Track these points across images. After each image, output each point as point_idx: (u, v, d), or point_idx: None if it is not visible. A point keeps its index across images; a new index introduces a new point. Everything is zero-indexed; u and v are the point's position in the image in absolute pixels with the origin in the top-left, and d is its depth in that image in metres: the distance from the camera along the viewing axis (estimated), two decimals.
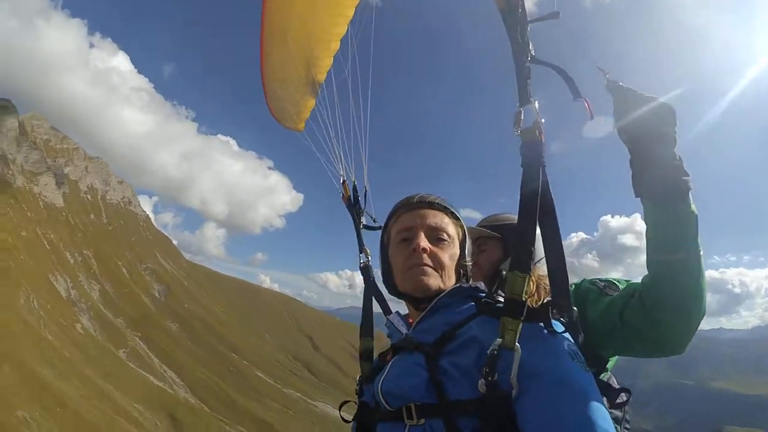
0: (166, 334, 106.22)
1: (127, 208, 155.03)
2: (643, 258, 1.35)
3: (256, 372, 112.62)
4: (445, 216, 1.58)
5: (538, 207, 1.22)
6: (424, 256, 1.49)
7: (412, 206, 1.61)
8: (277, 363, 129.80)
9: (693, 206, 1.25)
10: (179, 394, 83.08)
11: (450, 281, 1.52)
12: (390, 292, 1.64)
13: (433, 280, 1.48)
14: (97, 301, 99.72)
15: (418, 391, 1.24)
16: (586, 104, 1.30)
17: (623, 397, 1.39)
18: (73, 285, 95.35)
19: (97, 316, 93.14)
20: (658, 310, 1.33)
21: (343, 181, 2.59)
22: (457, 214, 1.63)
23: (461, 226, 1.63)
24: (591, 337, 1.41)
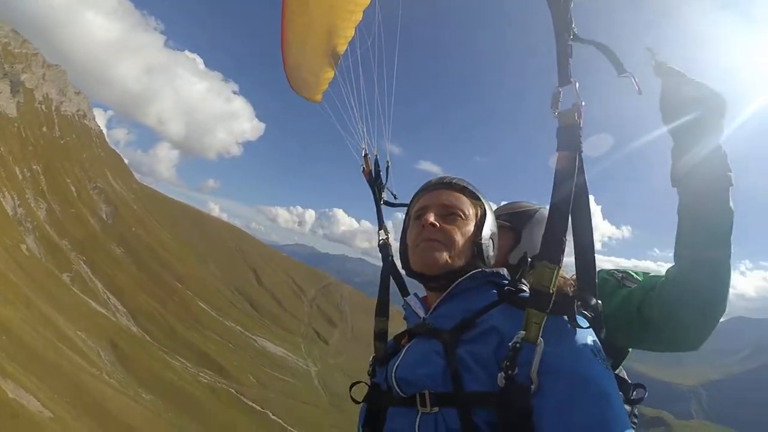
0: (111, 259, 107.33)
1: (82, 121, 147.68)
2: None
3: (199, 302, 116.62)
4: (462, 195, 1.58)
5: (572, 195, 1.18)
6: (433, 230, 1.48)
7: (430, 188, 1.64)
8: (220, 294, 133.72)
9: (731, 203, 1.22)
10: (121, 322, 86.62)
11: (461, 259, 1.48)
12: (407, 274, 1.65)
13: (440, 255, 1.46)
14: (44, 221, 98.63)
15: (433, 380, 1.22)
16: (633, 80, 1.23)
17: (639, 393, 1.37)
18: (20, 203, 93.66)
19: (42, 237, 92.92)
20: (681, 306, 1.32)
21: (365, 154, 2.56)
22: (478, 194, 1.61)
23: (481, 206, 1.60)
24: (606, 329, 1.31)
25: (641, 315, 1.46)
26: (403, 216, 1.77)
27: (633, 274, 1.66)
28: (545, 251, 1.16)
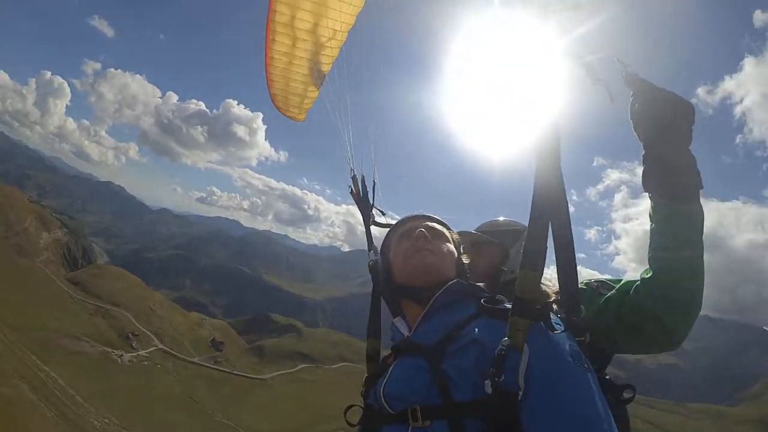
0: None
1: None
2: None
3: None
4: (442, 225, 1.73)
5: (552, 206, 1.22)
6: (426, 241, 1.58)
7: (410, 218, 1.77)
8: None
9: (701, 204, 1.29)
10: None
11: (449, 272, 1.57)
12: (391, 292, 1.66)
13: (434, 264, 1.54)
14: None
15: (420, 394, 1.26)
16: (606, 89, 1.29)
17: (629, 393, 1.38)
18: None
19: None
20: (660, 307, 1.37)
21: (353, 176, 2.55)
22: (448, 226, 1.74)
23: (457, 238, 1.74)
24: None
25: (620, 320, 1.50)
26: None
27: (608, 282, 1.70)
28: (527, 260, 1.19)
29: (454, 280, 1.53)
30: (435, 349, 1.32)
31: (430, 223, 1.71)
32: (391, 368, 1.45)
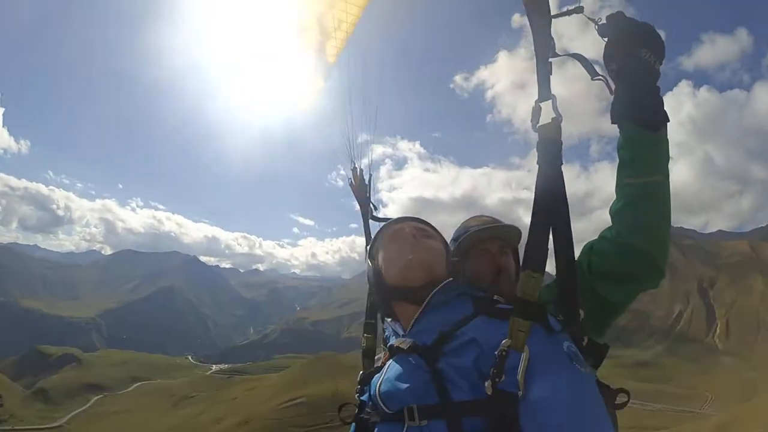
0: None
1: None
2: None
3: None
4: (429, 227, 1.71)
5: (553, 207, 1.23)
6: (417, 242, 1.56)
7: (398, 221, 1.73)
8: None
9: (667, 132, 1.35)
10: None
11: (440, 271, 1.54)
12: (385, 294, 1.60)
13: (427, 263, 1.52)
14: None
15: (417, 393, 1.25)
16: (605, 82, 1.33)
17: (622, 398, 1.34)
18: None
19: None
20: (636, 235, 1.40)
21: (353, 167, 2.50)
22: (434, 227, 1.71)
23: (443, 239, 1.72)
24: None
25: (594, 273, 1.54)
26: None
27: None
28: (529, 261, 1.19)
29: (450, 279, 1.53)
30: (432, 348, 1.31)
31: (417, 224, 1.70)
32: (387, 367, 1.45)
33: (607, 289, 1.56)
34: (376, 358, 1.71)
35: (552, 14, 1.30)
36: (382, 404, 1.34)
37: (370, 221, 2.40)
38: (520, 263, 2.04)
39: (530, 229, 1.23)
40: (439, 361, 1.27)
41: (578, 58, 1.34)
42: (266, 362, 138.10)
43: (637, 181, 1.38)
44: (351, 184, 2.52)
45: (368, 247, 1.85)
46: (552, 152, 1.24)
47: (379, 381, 1.41)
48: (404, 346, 1.40)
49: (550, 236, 1.24)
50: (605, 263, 1.51)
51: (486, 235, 2.05)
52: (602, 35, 1.35)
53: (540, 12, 1.29)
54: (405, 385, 1.30)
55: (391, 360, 1.46)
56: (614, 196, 1.48)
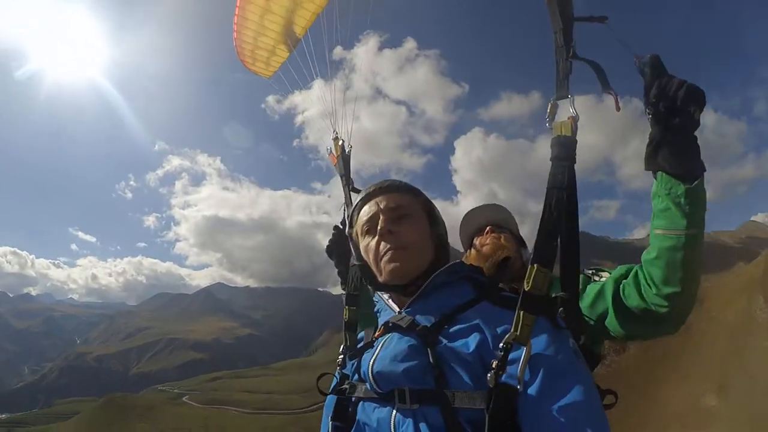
0: None
1: None
2: None
3: None
4: (404, 195, 1.52)
5: (564, 203, 1.21)
6: (391, 238, 1.41)
7: (369, 196, 1.54)
8: None
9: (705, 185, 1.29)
10: None
11: (427, 255, 1.44)
12: (374, 288, 1.55)
13: (409, 262, 1.40)
14: None
15: (412, 376, 1.20)
16: (614, 97, 1.30)
17: (610, 399, 1.32)
18: None
19: None
20: (666, 285, 1.35)
21: (335, 137, 2.42)
22: (417, 190, 1.57)
23: (424, 200, 1.56)
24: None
25: (617, 304, 1.53)
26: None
27: (602, 269, 1.78)
28: (538, 255, 1.17)
29: (456, 261, 1.47)
30: (431, 330, 1.26)
31: (392, 202, 1.49)
32: (380, 344, 1.37)
33: (623, 322, 1.56)
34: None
35: (575, 17, 1.30)
36: (374, 383, 1.29)
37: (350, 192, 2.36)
38: (521, 252, 2.19)
39: (540, 224, 1.22)
40: (438, 344, 1.22)
41: (594, 66, 1.33)
42: (49, 409, 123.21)
43: (674, 233, 1.34)
44: (330, 154, 2.53)
45: (349, 215, 1.74)
46: (567, 149, 1.24)
47: (372, 358, 1.33)
48: (403, 324, 1.33)
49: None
50: (631, 299, 1.50)
51: (484, 222, 2.24)
52: (642, 74, 1.33)
53: (564, 13, 1.30)
54: (401, 367, 1.23)
55: (385, 336, 1.38)
56: None
